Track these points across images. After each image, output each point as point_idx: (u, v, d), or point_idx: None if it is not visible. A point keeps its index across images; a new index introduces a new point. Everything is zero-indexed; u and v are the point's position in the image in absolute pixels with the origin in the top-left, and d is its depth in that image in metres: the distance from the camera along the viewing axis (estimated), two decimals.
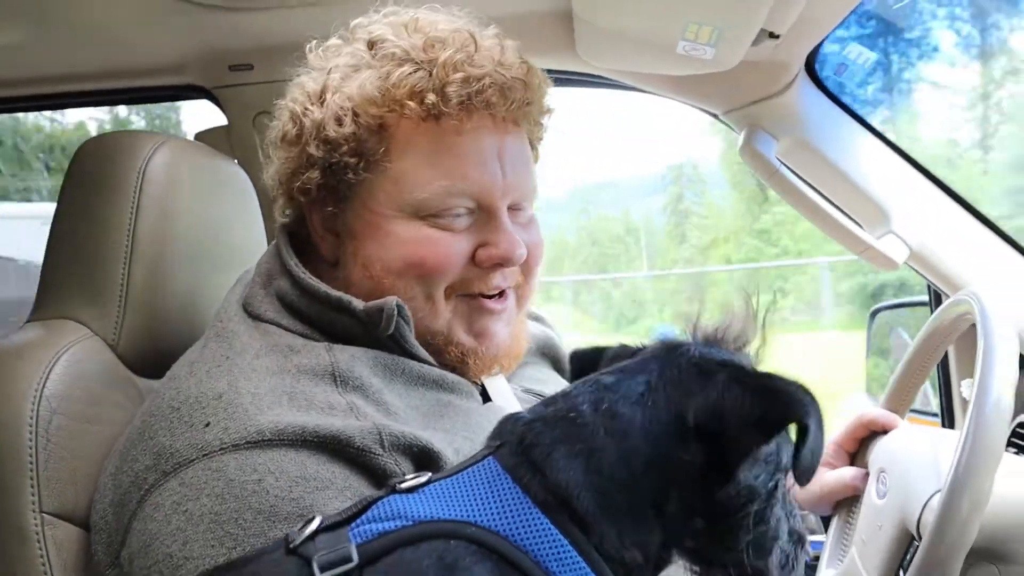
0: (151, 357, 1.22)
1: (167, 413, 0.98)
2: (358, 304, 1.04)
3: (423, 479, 0.81)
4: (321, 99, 1.07)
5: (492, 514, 0.75)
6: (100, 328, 1.19)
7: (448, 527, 0.75)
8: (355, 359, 1.02)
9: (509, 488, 0.77)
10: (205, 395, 0.97)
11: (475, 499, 0.77)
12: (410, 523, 0.76)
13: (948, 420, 1.74)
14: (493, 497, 0.76)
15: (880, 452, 1.28)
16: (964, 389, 1.62)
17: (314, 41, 1.14)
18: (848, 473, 1.35)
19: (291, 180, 1.10)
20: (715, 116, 1.65)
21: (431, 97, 1.03)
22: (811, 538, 1.74)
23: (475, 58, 1.05)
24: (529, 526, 0.74)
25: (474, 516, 0.75)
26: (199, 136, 1.76)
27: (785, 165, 1.58)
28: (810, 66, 1.56)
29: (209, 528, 0.88)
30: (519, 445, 0.79)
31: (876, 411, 1.36)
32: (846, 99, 1.57)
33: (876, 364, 2.00)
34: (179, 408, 0.98)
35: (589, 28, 1.42)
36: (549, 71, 1.53)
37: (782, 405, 0.76)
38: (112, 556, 0.97)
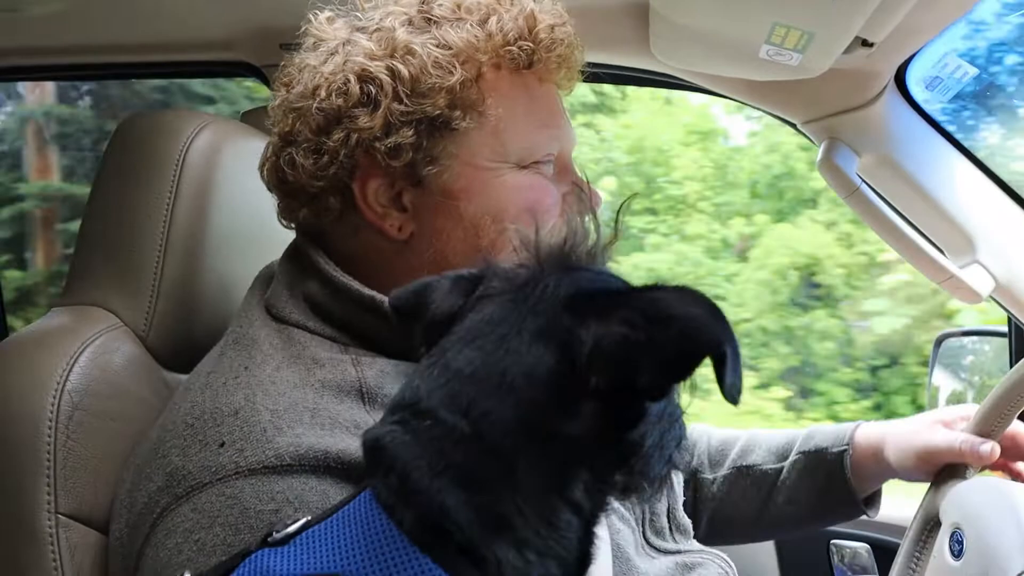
0: (182, 350, 1.16)
1: (181, 430, 0.91)
2: (387, 304, 0.95)
3: (297, 525, 0.70)
4: (405, 52, 0.97)
5: (362, 561, 0.65)
6: (130, 317, 1.13)
7: None
8: (384, 373, 0.94)
9: (383, 527, 0.66)
10: (220, 411, 0.90)
11: (347, 546, 0.66)
12: None
13: None
14: (366, 540, 0.65)
15: (956, 503, 1.18)
16: None
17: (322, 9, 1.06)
18: (961, 440, 1.21)
19: (355, 152, 0.98)
20: (793, 126, 1.55)
21: (527, 45, 1.01)
22: None
23: (547, 12, 1.04)
24: (407, 570, 0.63)
25: (343, 567, 0.65)
26: (245, 116, 1.69)
27: (866, 183, 1.47)
28: (900, 78, 1.45)
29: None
30: (386, 473, 0.68)
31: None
32: (937, 115, 1.46)
33: (939, 394, 1.88)
34: (193, 425, 0.91)
35: (666, 25, 1.33)
36: (619, 67, 1.45)
37: (693, 337, 0.63)
38: None
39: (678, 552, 1.15)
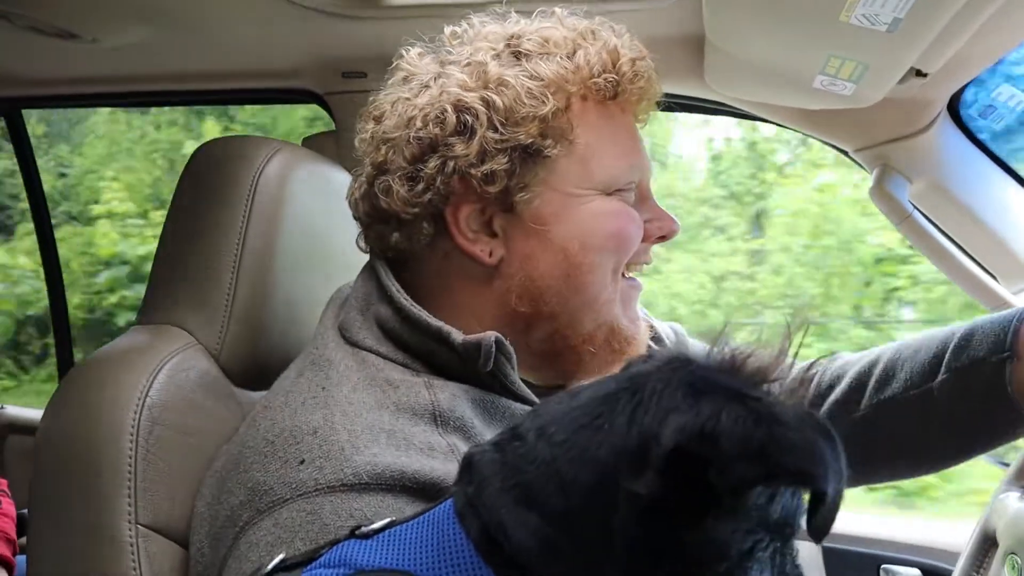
0: (252, 369, 1.20)
1: (261, 447, 0.95)
2: (457, 337, 0.99)
3: (382, 523, 0.76)
4: (498, 83, 1.01)
5: (432, 561, 0.69)
6: (204, 337, 1.18)
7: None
8: (456, 398, 0.97)
9: (453, 532, 0.70)
10: (300, 429, 0.93)
11: (422, 546, 0.71)
12: (350, 571, 0.72)
13: None
14: (438, 543, 0.70)
15: (1011, 527, 1.17)
16: None
17: (413, 45, 1.11)
18: None
19: (451, 179, 1.01)
20: (845, 153, 1.56)
21: (612, 77, 1.04)
22: None
23: (627, 47, 1.08)
24: (465, 573, 0.68)
25: (414, 564, 0.70)
26: (306, 141, 1.75)
27: (918, 210, 1.48)
28: (953, 106, 1.46)
29: None
30: (467, 483, 0.72)
31: None
32: (991, 143, 1.47)
33: None
34: (273, 442, 0.94)
35: (721, 55, 1.36)
36: (673, 95, 1.48)
37: (793, 449, 0.60)
38: None
39: None
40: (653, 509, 0.63)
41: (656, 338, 1.33)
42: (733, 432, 0.60)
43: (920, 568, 1.66)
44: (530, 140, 1.01)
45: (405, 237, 1.05)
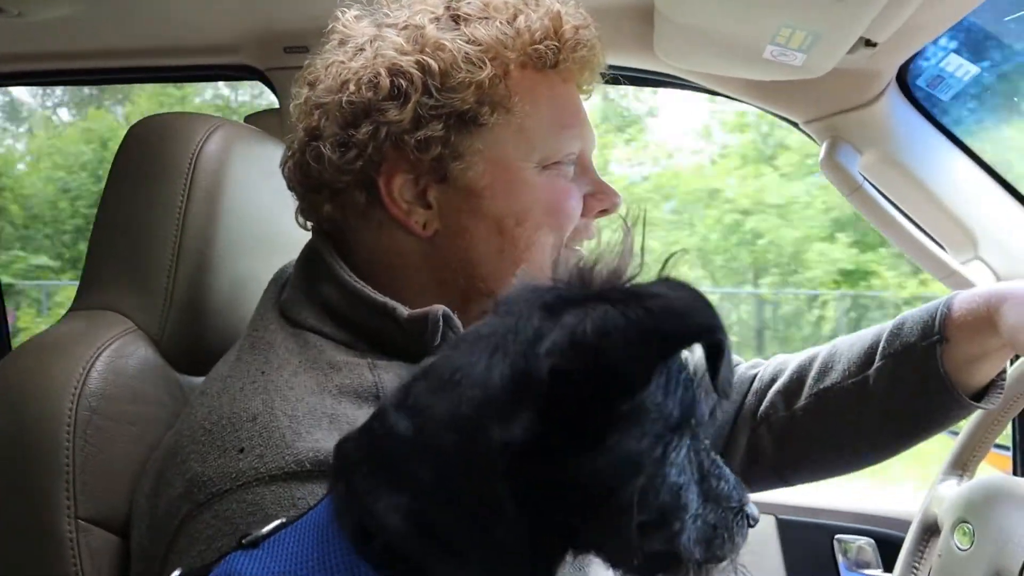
0: (195, 354, 1.16)
1: (199, 436, 0.91)
2: (402, 311, 0.96)
3: (270, 527, 0.70)
4: (435, 47, 0.98)
5: (312, 567, 0.64)
6: (144, 321, 1.13)
7: None
8: (401, 378, 0.93)
9: (331, 532, 0.65)
10: (239, 416, 0.90)
11: (304, 551, 0.65)
12: None
13: (1022, 455, 1.64)
14: (317, 546, 0.65)
15: (957, 503, 1.20)
16: None
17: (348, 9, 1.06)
18: None
19: (383, 145, 0.97)
20: (795, 125, 1.56)
21: (553, 44, 1.01)
22: (868, 572, 1.70)
23: (571, 14, 1.04)
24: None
25: (296, 571, 0.65)
26: (249, 119, 1.69)
27: (868, 181, 1.48)
28: (902, 77, 1.46)
29: None
30: (339, 472, 0.67)
31: None
32: (938, 114, 1.47)
33: None
34: (211, 430, 0.90)
35: (670, 26, 1.34)
36: (621, 68, 1.46)
37: (675, 312, 0.57)
38: None
39: None
40: (542, 451, 0.59)
41: None
42: (607, 325, 0.57)
43: (874, 537, 1.68)
44: (466, 107, 0.97)
45: (337, 207, 1.02)
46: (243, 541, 0.69)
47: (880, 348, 1.17)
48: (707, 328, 0.58)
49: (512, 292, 0.66)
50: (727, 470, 0.70)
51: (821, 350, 1.26)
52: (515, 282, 0.70)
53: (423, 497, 0.61)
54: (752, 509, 0.71)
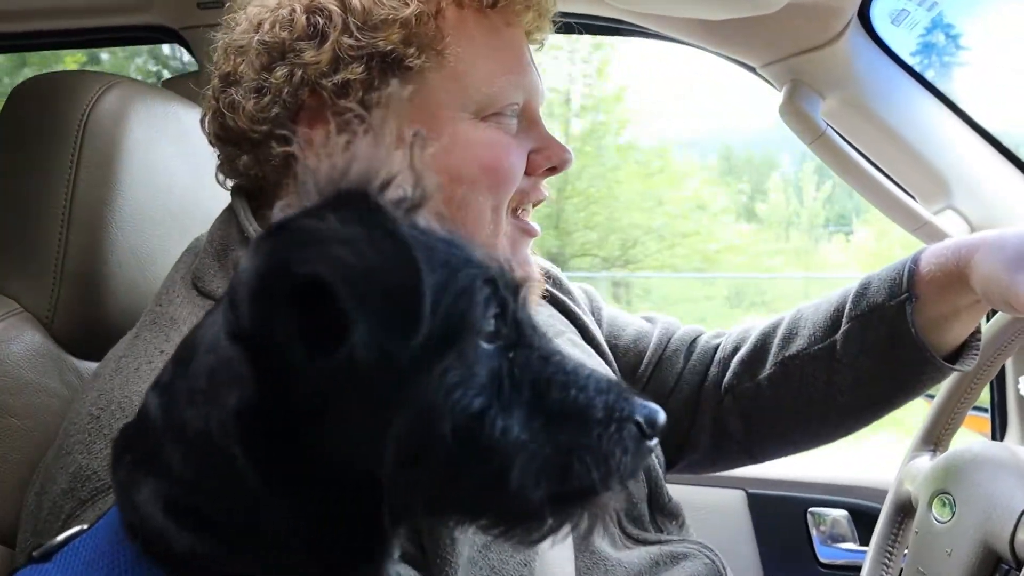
0: (93, 336, 1.05)
1: (85, 423, 0.81)
2: None
3: (66, 535, 0.61)
4: None
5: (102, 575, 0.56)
6: (31, 302, 1.02)
7: None
8: None
9: (111, 540, 0.57)
10: (130, 400, 0.79)
11: (97, 557, 0.57)
12: None
13: (1001, 417, 1.56)
14: (110, 549, 0.57)
15: (934, 475, 1.12)
16: (1022, 386, 1.45)
17: None
18: None
19: (300, 91, 0.88)
20: (753, 70, 1.46)
21: None
22: (843, 546, 1.63)
23: None
24: None
25: None
26: (166, 83, 1.57)
27: (832, 128, 1.39)
28: (864, 13, 1.36)
29: None
30: (112, 464, 0.59)
31: None
32: (904, 53, 1.38)
33: None
34: (99, 417, 0.80)
35: None
36: (570, 14, 1.35)
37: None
38: None
39: (659, 543, 1.06)
40: (275, 420, 0.51)
41: (557, 286, 1.21)
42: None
43: (848, 509, 1.60)
44: (390, 47, 0.88)
45: (254, 160, 0.92)
46: (33, 554, 0.60)
47: (846, 310, 1.11)
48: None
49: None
50: (593, 375, 0.57)
51: (785, 316, 1.20)
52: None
53: (177, 483, 0.54)
54: (644, 412, 0.57)
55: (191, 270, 0.93)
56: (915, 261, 1.06)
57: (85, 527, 0.60)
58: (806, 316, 1.16)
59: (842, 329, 1.10)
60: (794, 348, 1.14)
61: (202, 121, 0.97)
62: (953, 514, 1.03)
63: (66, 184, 1.03)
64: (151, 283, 1.08)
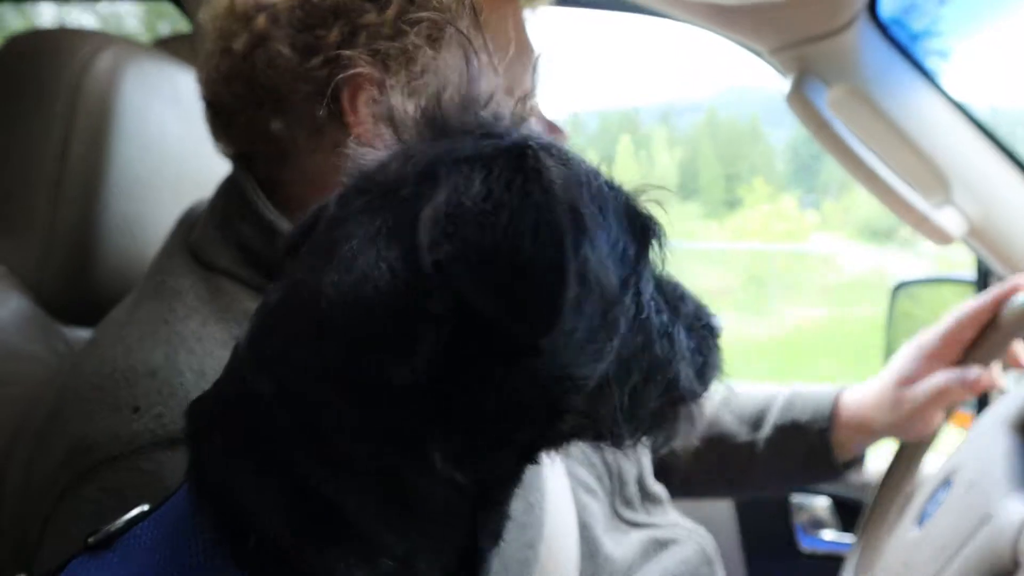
0: (83, 302, 1.03)
1: (86, 392, 0.78)
2: None
3: (124, 520, 0.56)
4: None
5: (164, 573, 0.51)
6: (18, 265, 1.00)
7: None
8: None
9: (186, 528, 0.51)
10: (135, 370, 0.77)
11: (159, 552, 0.52)
12: None
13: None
14: (171, 545, 0.51)
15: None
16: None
17: None
18: (942, 377, 1.09)
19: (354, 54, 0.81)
20: (760, 55, 1.44)
21: None
22: (825, 535, 1.63)
23: None
24: None
25: None
26: (160, 43, 1.53)
27: (837, 118, 1.37)
28: (872, 4, 1.34)
29: None
30: (192, 448, 0.54)
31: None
32: (910, 46, 1.36)
33: (898, 344, 1.82)
34: (101, 386, 0.77)
35: None
36: None
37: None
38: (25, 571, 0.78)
39: (649, 526, 1.06)
40: (461, 375, 0.48)
41: None
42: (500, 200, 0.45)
43: (830, 497, 1.60)
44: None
45: (287, 124, 0.86)
46: (90, 541, 0.55)
47: (772, 417, 1.23)
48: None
49: (351, 181, 0.54)
50: (679, 283, 0.61)
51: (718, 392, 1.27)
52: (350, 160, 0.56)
53: (312, 477, 0.48)
54: (717, 320, 0.62)
55: (190, 241, 0.90)
56: (838, 395, 1.20)
57: (144, 510, 0.56)
58: (737, 403, 1.26)
59: (764, 434, 1.22)
60: (722, 427, 1.25)
61: (205, 83, 0.90)
62: (950, 503, 1.02)
63: (58, 146, 1.00)
64: (142, 250, 1.06)
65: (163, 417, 0.73)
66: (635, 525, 1.05)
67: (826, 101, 1.36)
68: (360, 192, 0.52)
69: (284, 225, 0.84)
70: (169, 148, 1.13)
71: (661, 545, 1.03)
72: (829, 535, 1.59)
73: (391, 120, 0.56)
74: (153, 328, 0.81)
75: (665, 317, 0.56)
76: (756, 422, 1.23)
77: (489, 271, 0.44)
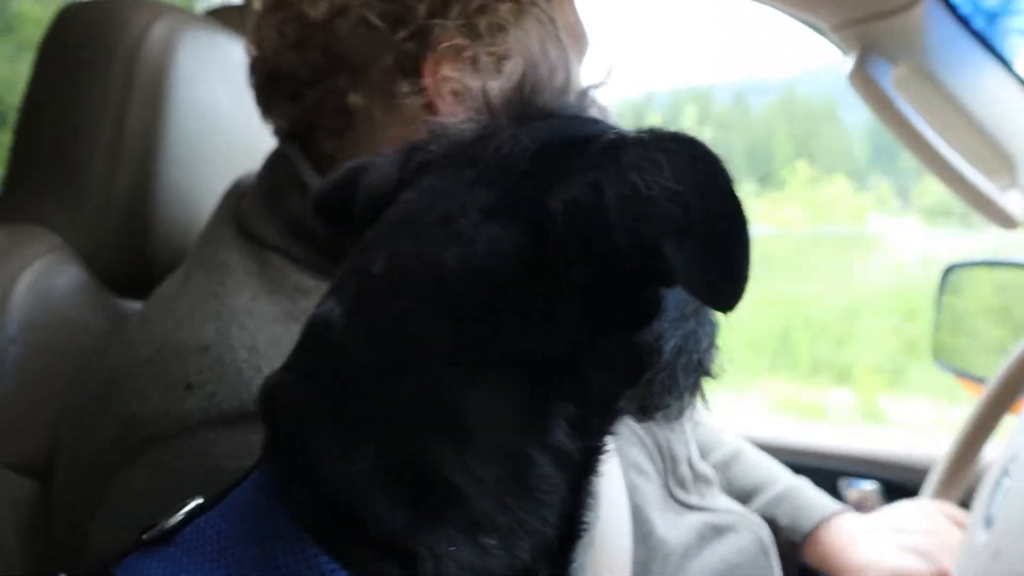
0: (136, 274, 1.02)
1: (136, 369, 0.77)
2: None
3: (183, 514, 0.53)
4: None
5: (251, 568, 0.47)
6: (75, 237, 0.99)
7: None
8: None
9: (272, 517, 0.49)
10: (186, 346, 0.76)
11: (231, 545, 0.49)
12: None
13: None
14: (254, 536, 0.49)
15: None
16: None
17: None
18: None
19: (446, 25, 0.80)
20: (820, 32, 1.40)
21: None
22: None
23: None
24: None
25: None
26: (213, 13, 1.51)
27: (901, 97, 1.33)
28: None
29: None
30: (276, 429, 0.52)
31: None
32: (978, 24, 1.32)
33: (947, 330, 1.78)
34: (151, 361, 0.76)
35: None
36: None
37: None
38: (71, 548, 0.78)
39: (704, 509, 1.04)
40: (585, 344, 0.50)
41: None
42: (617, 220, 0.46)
43: (880, 481, 1.57)
44: None
45: (366, 96, 0.83)
46: (145, 536, 0.53)
47: (758, 503, 1.20)
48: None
49: (441, 147, 0.55)
50: None
51: (730, 447, 1.29)
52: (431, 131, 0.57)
53: (429, 455, 0.47)
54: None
55: (237, 213, 0.89)
56: (821, 524, 1.17)
57: (202, 501, 0.54)
58: (737, 472, 1.25)
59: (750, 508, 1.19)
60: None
61: (272, 51, 0.86)
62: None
63: (116, 117, 1.00)
64: (194, 222, 1.05)
65: (216, 396, 0.72)
66: (690, 507, 1.03)
67: (891, 80, 1.32)
68: (460, 164, 0.52)
69: None
70: (220, 119, 1.12)
71: (718, 531, 1.02)
72: None
73: (477, 97, 0.55)
74: (203, 301, 0.80)
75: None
76: (745, 497, 1.21)
77: (694, 248, 0.44)
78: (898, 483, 1.54)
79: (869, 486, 1.58)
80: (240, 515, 0.50)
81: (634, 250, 0.45)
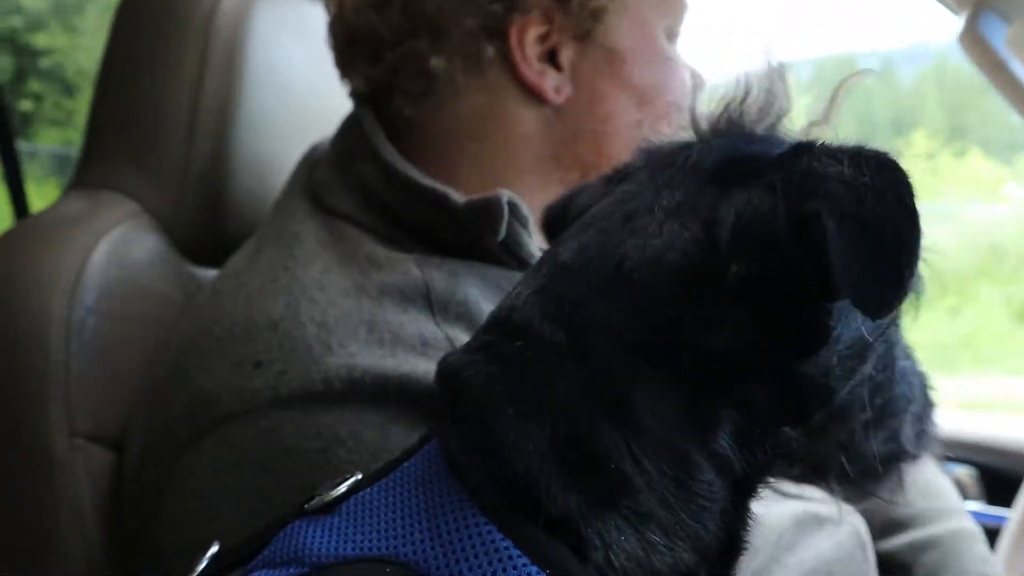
0: (213, 243, 1.01)
1: (206, 345, 0.76)
2: (456, 199, 0.76)
3: (346, 487, 0.53)
4: None
5: (425, 543, 0.47)
6: (154, 204, 0.97)
7: (355, 572, 0.48)
8: (456, 276, 0.75)
9: (449, 494, 0.48)
10: (255, 322, 0.74)
11: (405, 519, 0.48)
12: (305, 570, 0.49)
13: None
14: (428, 513, 0.48)
15: None
16: None
17: None
18: None
19: None
20: None
21: None
22: (973, 506, 1.53)
23: None
24: (479, 557, 0.45)
25: (399, 549, 0.47)
26: None
27: (1015, 58, 1.24)
28: None
29: (252, 513, 0.67)
30: (454, 411, 0.51)
31: None
32: None
33: None
34: (221, 338, 0.75)
35: None
36: None
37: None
38: (142, 522, 0.77)
39: (799, 497, 0.99)
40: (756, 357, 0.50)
41: None
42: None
43: (976, 466, 1.50)
44: None
45: (448, 59, 0.82)
46: (308, 506, 0.53)
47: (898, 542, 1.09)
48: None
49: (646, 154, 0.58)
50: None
51: None
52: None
53: (602, 441, 0.47)
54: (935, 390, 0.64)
55: (311, 181, 0.87)
56: None
57: (360, 476, 0.53)
58: None
59: None
60: None
61: (353, 9, 0.85)
62: None
63: (192, 83, 0.97)
64: (269, 191, 1.03)
65: (285, 374, 0.70)
66: (785, 496, 0.98)
67: (1004, 39, 1.23)
68: (655, 172, 0.55)
69: (408, 170, 0.79)
70: (295, 84, 1.09)
71: (815, 521, 0.97)
72: (973, 506, 1.50)
73: (693, 115, 0.58)
74: (273, 275, 0.78)
75: (907, 364, 0.58)
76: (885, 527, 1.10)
77: (857, 233, 0.44)
78: (997, 468, 1.47)
79: (965, 472, 1.51)
80: (408, 489, 0.50)
81: (796, 227, 0.45)
